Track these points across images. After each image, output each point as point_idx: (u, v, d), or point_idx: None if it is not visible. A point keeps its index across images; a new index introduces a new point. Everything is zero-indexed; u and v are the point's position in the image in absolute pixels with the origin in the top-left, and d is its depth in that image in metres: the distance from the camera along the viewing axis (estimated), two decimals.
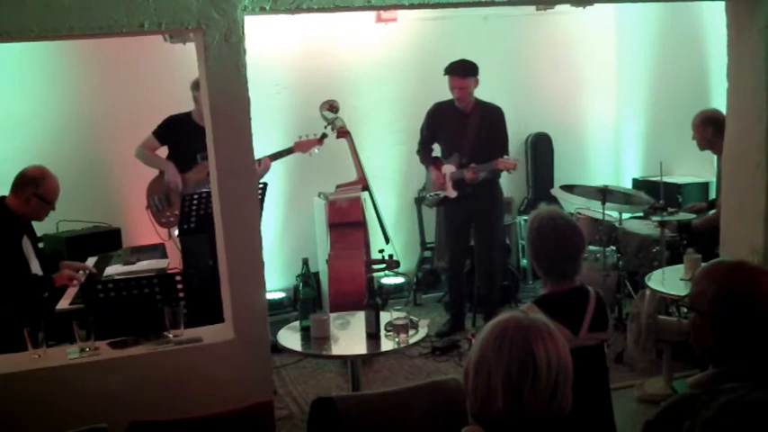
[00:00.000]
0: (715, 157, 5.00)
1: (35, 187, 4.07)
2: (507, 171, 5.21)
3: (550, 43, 6.71)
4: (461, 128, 5.30)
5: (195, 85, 4.82)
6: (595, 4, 5.11)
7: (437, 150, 5.56)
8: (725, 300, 1.85)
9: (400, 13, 6.06)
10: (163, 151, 5.22)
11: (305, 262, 3.92)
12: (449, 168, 5.34)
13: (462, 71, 5.21)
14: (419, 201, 6.40)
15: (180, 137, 5.02)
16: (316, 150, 5.31)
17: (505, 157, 5.14)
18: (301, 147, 5.27)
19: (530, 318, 1.71)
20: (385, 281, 6.21)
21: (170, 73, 5.49)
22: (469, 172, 5.17)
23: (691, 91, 5.95)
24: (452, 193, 5.34)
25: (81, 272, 4.31)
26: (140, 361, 3.19)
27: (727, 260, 1.94)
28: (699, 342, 1.91)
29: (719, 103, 4.60)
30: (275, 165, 5.22)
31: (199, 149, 4.57)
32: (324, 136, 5.33)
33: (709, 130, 4.81)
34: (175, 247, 5.32)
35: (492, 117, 5.31)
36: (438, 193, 5.43)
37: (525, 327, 1.67)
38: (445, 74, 5.23)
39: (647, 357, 4.30)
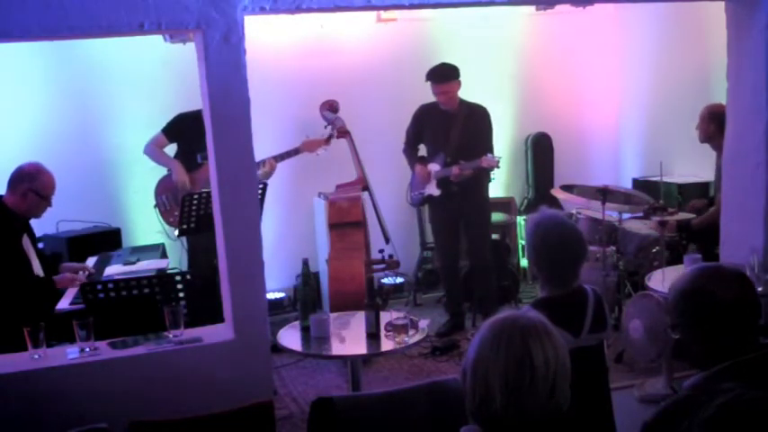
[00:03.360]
0: (715, 155, 5.01)
1: (31, 182, 4.07)
2: (491, 168, 5.21)
3: (550, 43, 6.71)
4: (446, 128, 5.30)
5: None
6: (595, 4, 5.10)
7: (422, 152, 5.56)
8: (687, 300, 1.89)
9: (400, 12, 6.05)
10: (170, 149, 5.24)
11: (305, 262, 3.91)
12: (433, 167, 5.35)
13: (441, 77, 5.19)
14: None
15: (189, 135, 5.01)
16: (322, 150, 5.32)
17: (489, 155, 5.15)
18: (308, 146, 5.29)
19: (527, 317, 1.71)
20: (385, 281, 6.20)
21: (170, 73, 5.49)
22: (454, 170, 5.18)
23: (691, 91, 5.95)
24: (436, 191, 5.36)
25: (81, 272, 4.32)
26: (140, 361, 3.19)
27: (688, 270, 1.97)
28: (688, 354, 1.93)
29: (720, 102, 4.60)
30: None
31: (204, 148, 4.57)
32: (330, 137, 5.35)
33: (712, 125, 4.81)
34: (176, 247, 5.33)
35: (477, 117, 5.31)
36: (422, 191, 5.45)
37: (522, 326, 1.67)
38: (426, 80, 5.23)
39: (649, 358, 4.30)
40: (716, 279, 1.89)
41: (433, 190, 5.38)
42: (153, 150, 5.17)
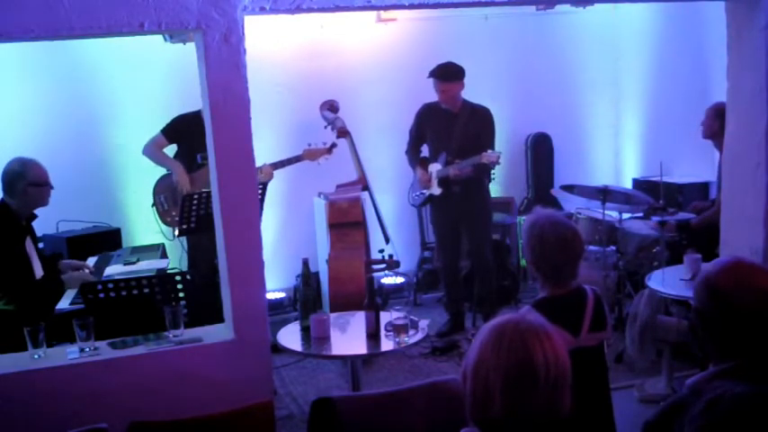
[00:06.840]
0: (716, 155, 5.01)
1: (25, 177, 4.05)
2: (491, 164, 5.18)
3: (550, 43, 6.71)
4: (449, 128, 5.30)
5: None
6: (595, 4, 5.11)
7: (425, 152, 5.56)
8: (706, 294, 1.87)
9: (400, 12, 6.06)
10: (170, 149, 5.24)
11: (305, 262, 3.91)
12: (435, 167, 5.35)
13: (443, 76, 5.20)
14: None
15: (188, 136, 5.02)
16: (324, 159, 5.32)
17: (489, 151, 5.12)
18: (310, 155, 5.29)
19: (527, 320, 1.70)
20: (385, 281, 6.20)
21: (170, 73, 5.49)
22: (454, 168, 5.18)
23: (690, 91, 5.95)
24: (437, 191, 5.35)
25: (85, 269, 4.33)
26: (140, 361, 3.19)
27: (725, 258, 1.95)
28: (697, 340, 1.92)
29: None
30: None
31: (204, 149, 4.58)
32: (333, 146, 5.35)
33: (717, 123, 4.82)
34: (176, 247, 5.33)
35: (479, 118, 5.31)
36: (423, 192, 5.44)
37: (523, 329, 1.67)
38: (428, 77, 5.23)
39: (646, 358, 4.31)
40: (738, 277, 1.85)
41: (434, 189, 5.38)
42: (152, 151, 5.16)
